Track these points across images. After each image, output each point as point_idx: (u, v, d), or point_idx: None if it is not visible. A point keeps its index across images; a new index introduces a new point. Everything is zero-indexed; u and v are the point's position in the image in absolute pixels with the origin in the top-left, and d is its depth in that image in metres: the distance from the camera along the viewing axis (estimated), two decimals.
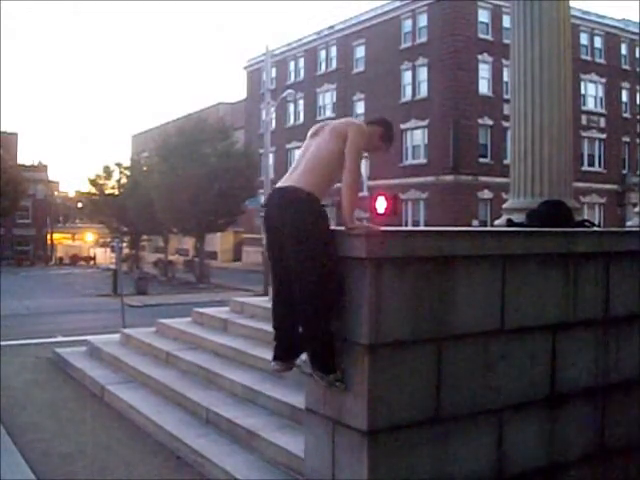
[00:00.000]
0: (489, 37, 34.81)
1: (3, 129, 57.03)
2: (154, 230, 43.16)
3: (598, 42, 38.92)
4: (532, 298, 4.51)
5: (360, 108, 39.39)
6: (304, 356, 4.13)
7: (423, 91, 35.63)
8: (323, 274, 3.82)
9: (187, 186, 32.83)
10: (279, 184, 4.08)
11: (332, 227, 4.02)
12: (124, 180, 45.58)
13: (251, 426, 5.46)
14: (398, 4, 36.99)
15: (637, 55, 39.38)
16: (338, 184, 4.06)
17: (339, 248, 3.99)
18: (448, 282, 4.11)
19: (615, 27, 39.57)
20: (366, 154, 4.44)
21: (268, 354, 4.49)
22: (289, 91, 34.20)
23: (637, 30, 34.44)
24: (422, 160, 35.28)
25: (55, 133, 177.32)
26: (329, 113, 42.04)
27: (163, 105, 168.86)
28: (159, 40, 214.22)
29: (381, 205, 22.51)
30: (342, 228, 3.97)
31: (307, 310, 3.89)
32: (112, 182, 46.55)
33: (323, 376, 3.97)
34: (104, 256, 60.04)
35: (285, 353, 4.19)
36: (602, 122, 38.77)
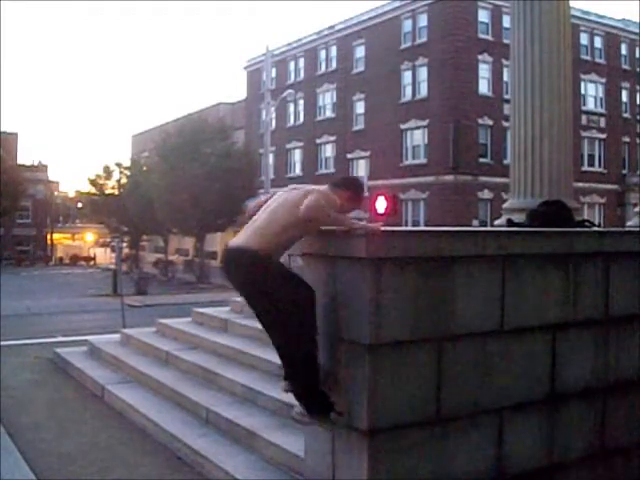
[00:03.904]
0: (489, 37, 34.76)
1: (3, 129, 57.02)
2: (154, 230, 43.19)
3: (598, 42, 38.85)
4: (532, 298, 4.51)
5: (360, 108, 39.34)
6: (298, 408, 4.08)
7: (423, 91, 35.56)
8: (291, 324, 3.83)
9: (187, 186, 32.84)
10: (230, 242, 4.13)
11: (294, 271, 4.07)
12: (124, 180, 45.61)
13: (251, 426, 5.45)
14: (398, 4, 36.93)
15: (637, 55, 39.33)
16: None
17: (339, 249, 4.00)
18: (448, 282, 4.11)
19: (615, 27, 39.51)
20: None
21: (268, 354, 4.49)
22: (289, 91, 34.20)
23: (637, 30, 34.40)
24: (422, 160, 35.21)
25: (55, 133, 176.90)
26: (329, 113, 42.03)
27: (163, 105, 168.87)
28: (159, 40, 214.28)
29: (381, 205, 22.49)
30: (343, 228, 3.96)
31: (289, 358, 3.95)
32: (112, 182, 46.63)
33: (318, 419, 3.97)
34: (104, 256, 60.07)
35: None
36: (602, 122, 38.71)
